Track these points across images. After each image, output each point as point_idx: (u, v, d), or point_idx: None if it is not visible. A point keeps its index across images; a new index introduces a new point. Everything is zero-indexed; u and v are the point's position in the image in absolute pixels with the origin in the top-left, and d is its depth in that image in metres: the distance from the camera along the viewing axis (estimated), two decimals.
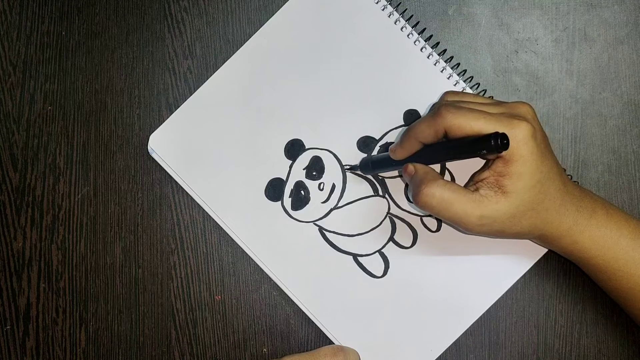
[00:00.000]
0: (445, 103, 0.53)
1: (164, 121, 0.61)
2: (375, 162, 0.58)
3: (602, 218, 0.53)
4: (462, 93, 0.56)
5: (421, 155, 0.55)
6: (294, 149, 0.61)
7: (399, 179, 0.60)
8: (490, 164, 0.53)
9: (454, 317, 0.59)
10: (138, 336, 0.61)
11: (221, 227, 0.61)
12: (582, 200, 0.54)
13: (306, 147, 0.61)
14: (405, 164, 0.55)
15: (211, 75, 0.61)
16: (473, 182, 0.54)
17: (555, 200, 0.52)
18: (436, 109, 0.52)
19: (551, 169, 0.52)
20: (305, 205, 0.60)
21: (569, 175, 0.60)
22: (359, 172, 0.60)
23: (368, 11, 0.61)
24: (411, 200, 0.56)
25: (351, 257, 0.60)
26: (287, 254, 0.60)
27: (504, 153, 0.50)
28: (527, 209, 0.52)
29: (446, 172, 0.60)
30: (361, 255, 0.60)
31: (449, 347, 0.59)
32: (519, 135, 0.50)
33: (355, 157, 0.60)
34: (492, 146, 0.49)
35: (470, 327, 0.59)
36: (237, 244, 0.61)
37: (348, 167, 0.60)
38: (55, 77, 0.62)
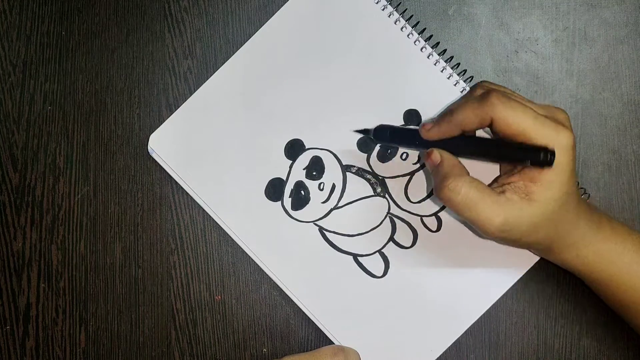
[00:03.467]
0: (495, 90, 0.50)
1: (164, 121, 0.61)
2: (396, 133, 0.55)
3: (608, 232, 0.53)
4: (499, 85, 0.54)
5: (453, 144, 0.52)
6: (294, 149, 0.61)
7: (399, 178, 0.60)
8: (520, 168, 0.51)
9: (454, 317, 0.59)
10: (138, 336, 0.61)
11: (221, 227, 0.61)
12: (592, 214, 0.53)
13: (306, 147, 0.61)
14: (431, 149, 0.53)
15: (211, 75, 0.61)
16: (498, 184, 0.52)
17: (572, 214, 0.52)
18: (484, 95, 0.50)
19: (575, 183, 0.52)
20: (305, 205, 0.60)
21: None
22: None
23: (368, 11, 0.61)
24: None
25: (351, 257, 0.60)
26: (287, 254, 0.60)
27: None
28: (548, 219, 0.51)
29: None
30: (361, 255, 0.60)
31: (449, 347, 0.59)
32: (562, 142, 0.49)
33: (355, 157, 0.60)
34: (540, 160, 0.47)
35: (470, 327, 0.59)
36: (237, 244, 0.61)
37: (360, 131, 0.57)
38: (55, 77, 0.62)
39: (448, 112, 0.52)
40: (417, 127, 0.56)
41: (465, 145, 0.52)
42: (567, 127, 0.50)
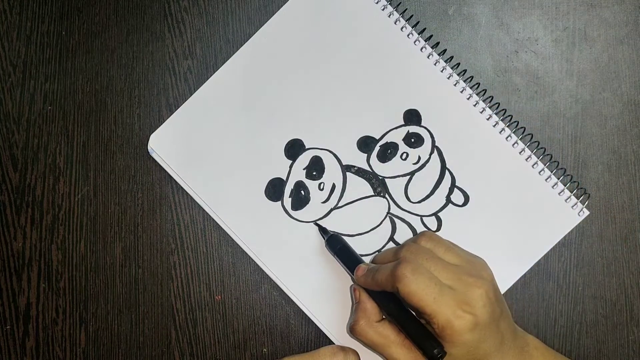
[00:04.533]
0: (406, 262, 0.52)
1: (164, 121, 0.61)
2: (340, 253, 0.58)
3: (534, 352, 0.55)
4: (438, 240, 0.55)
5: (375, 295, 0.55)
6: (294, 149, 0.61)
7: (399, 178, 0.60)
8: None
9: None
10: (138, 336, 0.61)
11: (221, 227, 0.61)
12: (515, 340, 0.55)
13: (306, 147, 0.61)
14: (355, 287, 0.57)
15: (211, 75, 0.61)
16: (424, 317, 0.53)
17: (494, 350, 0.53)
18: (396, 265, 0.52)
19: (486, 339, 0.52)
20: (305, 205, 0.60)
21: (568, 175, 0.60)
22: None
23: (368, 11, 0.61)
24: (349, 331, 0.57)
25: None
26: (287, 254, 0.60)
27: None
28: None
29: (446, 171, 0.60)
30: (361, 255, 0.60)
31: None
32: (458, 327, 0.50)
33: (355, 157, 0.60)
34: (429, 355, 0.51)
35: None
36: (237, 244, 0.61)
37: (317, 226, 0.60)
38: (55, 77, 0.62)
39: (372, 269, 0.55)
40: (360, 261, 0.58)
41: (382, 303, 0.55)
42: (469, 312, 0.50)
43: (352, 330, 0.55)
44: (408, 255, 0.53)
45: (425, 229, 0.60)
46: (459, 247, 0.56)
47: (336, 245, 0.58)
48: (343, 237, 0.59)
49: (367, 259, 0.59)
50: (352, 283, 0.59)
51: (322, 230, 0.59)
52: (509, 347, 0.54)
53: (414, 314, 0.54)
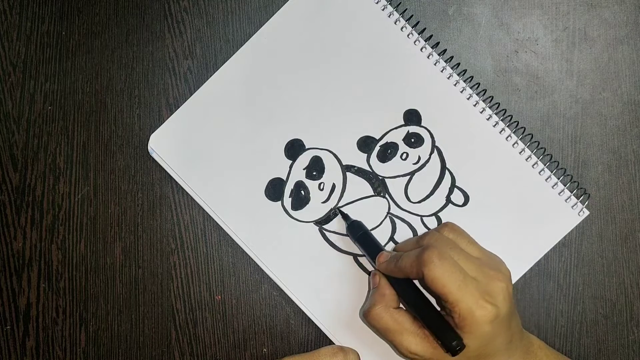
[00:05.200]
0: (433, 248, 0.52)
1: (164, 121, 0.61)
2: (362, 240, 0.58)
3: (538, 352, 0.56)
4: (460, 232, 0.55)
5: (396, 283, 0.55)
6: (294, 149, 0.61)
7: (399, 178, 0.60)
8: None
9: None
10: (138, 336, 0.61)
11: (221, 227, 0.61)
12: (522, 340, 0.55)
13: (306, 147, 0.61)
14: (375, 272, 0.57)
15: (211, 75, 0.61)
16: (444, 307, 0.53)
17: (503, 348, 0.53)
18: (422, 251, 0.52)
19: (500, 335, 0.52)
20: (305, 205, 0.60)
21: (568, 175, 0.60)
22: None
23: (368, 11, 0.61)
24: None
25: (351, 257, 0.60)
26: (287, 254, 0.60)
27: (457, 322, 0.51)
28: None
29: (446, 171, 0.60)
30: (361, 255, 0.60)
31: None
32: (480, 317, 0.50)
33: (355, 157, 0.60)
34: (447, 347, 0.51)
35: None
36: (237, 244, 0.61)
37: (339, 212, 0.60)
38: (55, 77, 0.62)
39: (395, 256, 0.55)
40: (381, 248, 0.58)
41: (402, 291, 0.55)
42: (491, 303, 0.50)
43: (367, 314, 0.55)
44: (433, 242, 0.53)
45: (429, 229, 0.60)
46: (477, 242, 0.56)
47: (358, 231, 0.58)
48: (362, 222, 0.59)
49: (367, 259, 0.59)
50: (353, 283, 0.59)
51: (344, 217, 0.59)
52: (516, 346, 0.54)
53: (434, 304, 0.54)
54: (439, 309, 0.53)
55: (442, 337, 0.51)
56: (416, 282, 0.55)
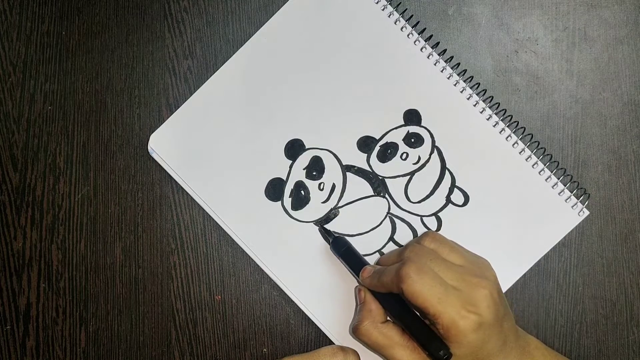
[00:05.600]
0: (410, 262, 0.52)
1: (164, 121, 0.61)
2: (345, 255, 0.58)
3: (535, 352, 0.56)
4: (442, 240, 0.55)
5: (380, 297, 0.55)
6: (294, 149, 0.61)
7: (399, 178, 0.60)
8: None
9: None
10: (138, 336, 0.61)
11: (221, 227, 0.61)
12: (517, 340, 0.55)
13: (306, 147, 0.61)
14: (360, 288, 0.57)
15: (211, 75, 0.61)
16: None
17: (497, 350, 0.53)
18: (400, 266, 0.52)
19: (490, 339, 0.52)
20: (305, 205, 0.60)
21: (568, 175, 0.60)
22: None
23: (368, 11, 0.61)
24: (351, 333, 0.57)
25: None
26: (287, 254, 0.60)
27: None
28: None
29: (446, 171, 0.60)
30: (362, 255, 0.60)
31: None
32: (463, 327, 0.50)
33: (355, 157, 0.60)
34: (433, 357, 0.51)
35: None
36: (237, 244, 0.61)
37: (322, 229, 0.60)
38: (55, 77, 0.62)
39: (378, 271, 0.55)
40: (364, 263, 0.57)
41: (388, 305, 0.55)
42: (474, 313, 0.50)
43: (356, 331, 0.55)
44: (412, 256, 0.53)
45: (428, 230, 0.60)
46: (462, 247, 0.56)
47: (341, 247, 0.58)
48: (346, 237, 0.59)
49: (368, 259, 0.59)
50: (354, 283, 0.59)
51: (327, 233, 0.59)
52: (512, 347, 0.54)
53: (419, 315, 0.54)
54: (425, 320, 0.54)
55: (429, 348, 0.52)
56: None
